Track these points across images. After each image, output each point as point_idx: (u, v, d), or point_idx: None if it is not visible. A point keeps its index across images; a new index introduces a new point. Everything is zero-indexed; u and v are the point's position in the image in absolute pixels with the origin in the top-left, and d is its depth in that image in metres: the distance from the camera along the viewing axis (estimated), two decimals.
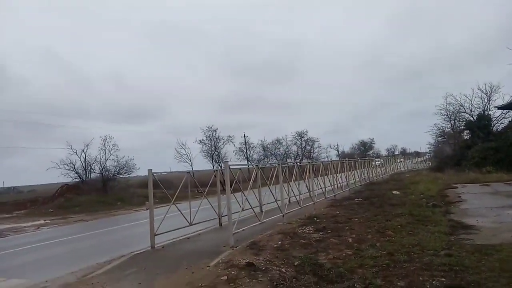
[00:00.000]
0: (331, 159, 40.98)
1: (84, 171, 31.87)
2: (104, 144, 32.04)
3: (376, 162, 36.89)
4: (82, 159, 31.78)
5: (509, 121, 29.32)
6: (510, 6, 76.79)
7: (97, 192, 29.87)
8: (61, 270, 7.41)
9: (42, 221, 19.53)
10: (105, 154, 32.05)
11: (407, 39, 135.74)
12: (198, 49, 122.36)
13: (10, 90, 77.11)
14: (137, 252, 8.61)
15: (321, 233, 8.85)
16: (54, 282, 6.61)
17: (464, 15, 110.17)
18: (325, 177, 16.94)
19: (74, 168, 31.30)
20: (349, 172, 21.87)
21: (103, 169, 32.02)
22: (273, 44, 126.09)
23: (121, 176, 32.86)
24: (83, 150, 31.61)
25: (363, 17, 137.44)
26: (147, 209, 11.88)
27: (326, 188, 16.36)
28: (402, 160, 59.64)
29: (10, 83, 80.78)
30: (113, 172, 32.29)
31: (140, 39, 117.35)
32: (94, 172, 32.41)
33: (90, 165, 32.08)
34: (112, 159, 32.36)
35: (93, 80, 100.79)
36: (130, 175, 33.77)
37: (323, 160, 38.64)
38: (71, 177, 31.44)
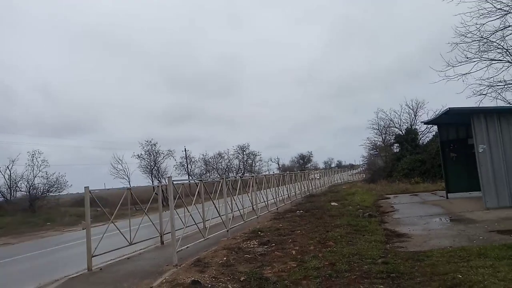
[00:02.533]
0: (273, 172, 41.57)
1: (8, 189, 29.43)
2: (32, 159, 29.98)
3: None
4: (7, 177, 29.42)
5: (433, 135, 32.07)
6: (434, 30, 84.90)
7: (23, 212, 27.55)
8: None
9: None
10: (33, 171, 29.90)
11: (342, 56, 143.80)
12: (133, 60, 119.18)
13: None
14: (72, 276, 8.02)
15: (265, 246, 8.92)
16: None
17: (394, 34, 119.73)
18: (267, 190, 17.16)
19: None
20: (290, 185, 22.38)
21: (31, 187, 29.68)
22: (213, 57, 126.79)
23: (51, 194, 30.70)
24: (7, 167, 29.31)
25: (299, 33, 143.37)
26: (83, 229, 11.15)
27: (269, 201, 16.57)
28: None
29: None
30: (42, 190, 30.07)
31: (69, 47, 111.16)
32: (21, 191, 30.10)
33: (15, 183, 29.69)
34: (41, 176, 30.22)
35: (18, 90, 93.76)
36: (61, 193, 31.73)
37: (264, 173, 38.89)
38: None
